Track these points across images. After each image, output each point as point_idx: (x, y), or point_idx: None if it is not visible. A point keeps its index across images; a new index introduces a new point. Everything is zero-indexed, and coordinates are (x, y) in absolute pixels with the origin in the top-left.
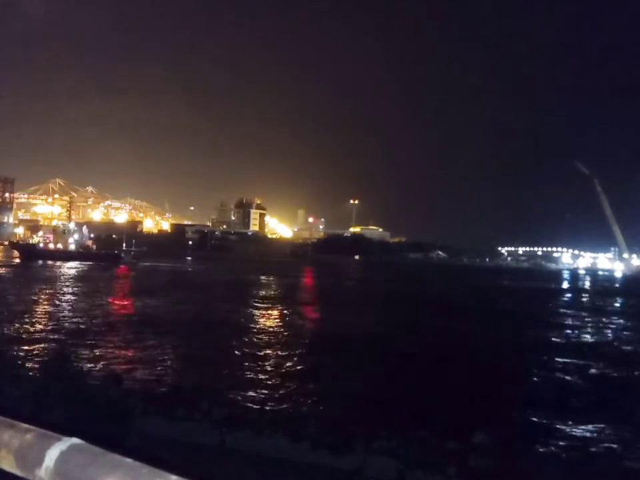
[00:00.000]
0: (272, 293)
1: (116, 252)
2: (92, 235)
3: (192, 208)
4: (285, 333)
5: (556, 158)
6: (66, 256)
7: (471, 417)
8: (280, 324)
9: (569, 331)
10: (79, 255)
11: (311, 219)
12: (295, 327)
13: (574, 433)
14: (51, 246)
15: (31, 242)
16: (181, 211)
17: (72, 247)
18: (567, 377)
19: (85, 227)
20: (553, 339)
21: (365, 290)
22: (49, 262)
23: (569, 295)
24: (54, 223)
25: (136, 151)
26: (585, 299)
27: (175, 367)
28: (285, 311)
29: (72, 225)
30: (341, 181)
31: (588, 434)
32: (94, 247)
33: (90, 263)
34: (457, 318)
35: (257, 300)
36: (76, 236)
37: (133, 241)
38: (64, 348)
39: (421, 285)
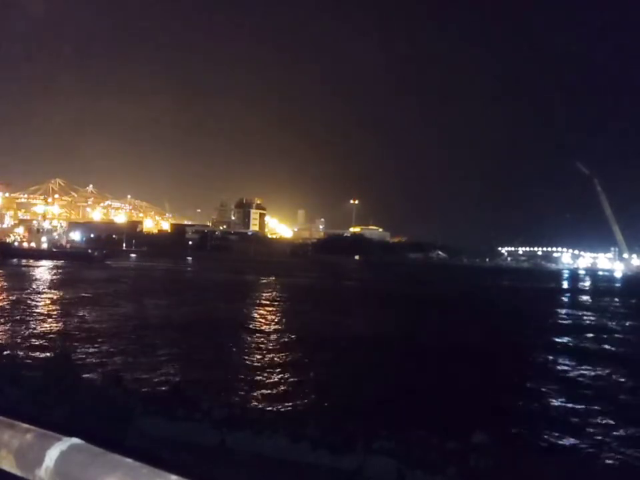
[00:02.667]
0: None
1: (89, 251)
2: (92, 235)
3: (199, 210)
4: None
5: (556, 158)
6: (38, 254)
7: (470, 417)
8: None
9: (566, 333)
10: (51, 253)
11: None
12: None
13: (574, 432)
14: (25, 245)
15: (7, 241)
16: (181, 211)
17: (44, 245)
18: (565, 378)
19: (59, 227)
20: (553, 340)
21: (364, 290)
22: (23, 260)
23: (568, 295)
24: (54, 222)
25: (136, 151)
26: (584, 299)
27: None
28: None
29: (46, 224)
30: (340, 180)
31: (587, 433)
32: (68, 245)
33: (61, 261)
34: (454, 318)
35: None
36: (53, 235)
37: (133, 241)
38: None
39: (420, 285)
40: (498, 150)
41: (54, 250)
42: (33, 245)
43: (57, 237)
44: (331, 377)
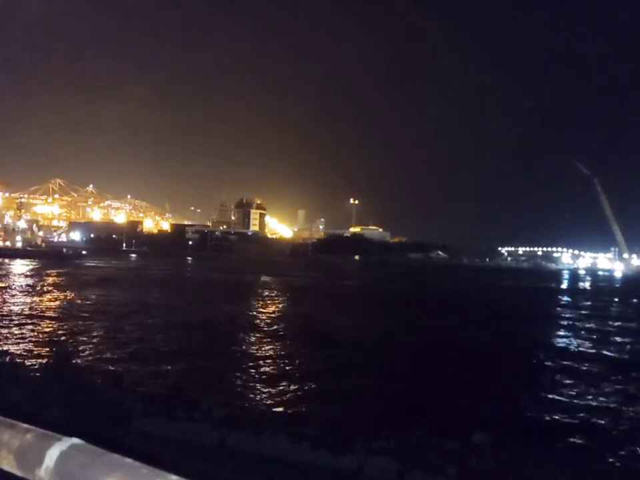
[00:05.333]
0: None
1: (64, 250)
2: (92, 235)
3: (198, 210)
4: None
5: (556, 158)
6: (12, 253)
7: (470, 417)
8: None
9: (565, 333)
10: (25, 252)
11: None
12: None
13: (573, 432)
14: (0, 243)
15: None
16: (181, 211)
17: (19, 244)
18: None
19: (35, 226)
20: (551, 340)
21: (363, 290)
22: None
23: (567, 295)
24: (54, 222)
25: (136, 151)
26: (584, 300)
27: None
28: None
29: (21, 224)
30: (340, 181)
31: (587, 431)
32: (43, 244)
33: (34, 259)
34: (452, 318)
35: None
36: (27, 234)
37: (133, 241)
38: None
39: (419, 285)
40: (498, 150)
41: (28, 248)
42: (8, 243)
43: (29, 235)
44: (328, 373)
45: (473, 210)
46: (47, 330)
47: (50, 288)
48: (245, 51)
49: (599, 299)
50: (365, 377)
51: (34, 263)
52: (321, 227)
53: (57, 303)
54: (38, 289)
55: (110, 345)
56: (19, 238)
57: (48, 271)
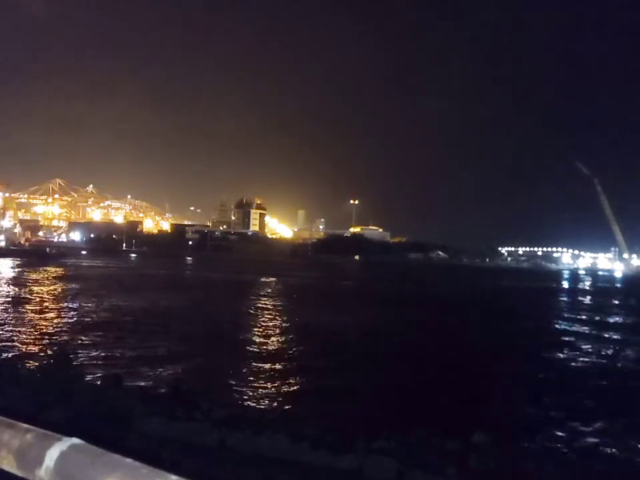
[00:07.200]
0: None
1: (47, 249)
2: (92, 235)
3: (199, 210)
4: None
5: (556, 158)
6: None
7: (470, 417)
8: None
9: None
10: (7, 251)
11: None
12: None
13: (573, 431)
14: None
15: None
16: (181, 211)
17: (2, 243)
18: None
19: (18, 225)
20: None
21: (362, 291)
22: None
23: (567, 295)
24: (54, 222)
25: (136, 151)
26: (584, 299)
27: None
28: None
29: (5, 223)
30: (341, 181)
31: (587, 431)
32: (27, 244)
33: (17, 258)
34: (452, 318)
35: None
36: (10, 233)
37: (133, 241)
38: None
39: (419, 285)
40: (498, 150)
41: (11, 247)
42: None
43: (15, 234)
44: (327, 373)
45: (473, 210)
46: None
47: None
48: (245, 51)
49: (599, 298)
50: (365, 376)
51: (13, 262)
52: (321, 227)
53: None
54: None
55: None
56: (2, 237)
57: None
